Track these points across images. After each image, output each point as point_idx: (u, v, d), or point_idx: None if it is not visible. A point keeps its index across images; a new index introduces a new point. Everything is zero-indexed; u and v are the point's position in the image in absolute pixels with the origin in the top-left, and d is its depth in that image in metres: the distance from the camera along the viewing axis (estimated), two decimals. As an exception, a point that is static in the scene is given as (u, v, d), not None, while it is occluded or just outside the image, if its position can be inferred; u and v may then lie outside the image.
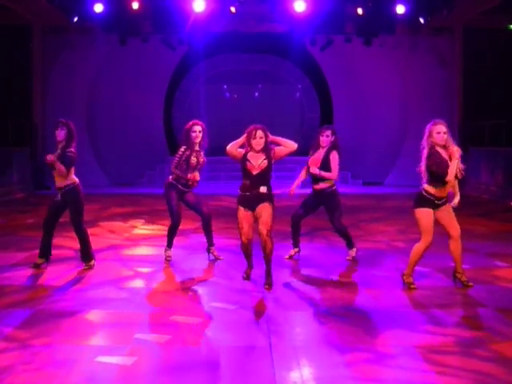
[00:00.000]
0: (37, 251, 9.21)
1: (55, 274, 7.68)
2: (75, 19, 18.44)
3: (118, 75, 21.38)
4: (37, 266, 7.94)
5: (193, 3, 17.28)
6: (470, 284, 7.11)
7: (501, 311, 6.21)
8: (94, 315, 6.13)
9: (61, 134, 7.88)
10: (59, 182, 7.89)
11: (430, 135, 6.81)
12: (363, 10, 18.47)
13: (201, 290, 7.18)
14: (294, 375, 4.62)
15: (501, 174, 17.57)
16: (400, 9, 18.05)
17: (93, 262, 8.04)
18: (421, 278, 7.52)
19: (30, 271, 7.89)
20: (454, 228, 7.07)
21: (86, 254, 8.05)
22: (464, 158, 7.00)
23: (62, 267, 8.14)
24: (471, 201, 17.35)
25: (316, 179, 8.34)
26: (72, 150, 7.84)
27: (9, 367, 4.66)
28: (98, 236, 10.30)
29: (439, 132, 6.78)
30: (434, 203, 6.91)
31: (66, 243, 9.89)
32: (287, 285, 7.34)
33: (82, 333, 5.58)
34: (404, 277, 7.15)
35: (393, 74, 21.66)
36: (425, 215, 6.92)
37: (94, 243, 9.67)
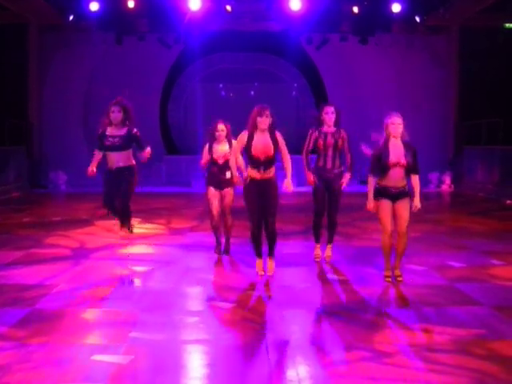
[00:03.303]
0: (33, 250, 9.23)
1: (51, 273, 7.67)
2: (71, 18, 18.44)
3: (114, 74, 21.34)
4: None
5: (189, 1, 17.28)
6: (400, 279, 7.33)
7: (497, 309, 6.22)
8: (90, 314, 6.12)
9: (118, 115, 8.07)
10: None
11: (386, 128, 7.21)
12: (359, 9, 18.49)
13: (197, 288, 7.17)
14: (290, 374, 4.62)
15: (497, 173, 17.61)
16: (396, 7, 18.07)
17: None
18: (416, 277, 7.54)
19: (25, 270, 7.88)
20: (399, 224, 7.24)
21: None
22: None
23: (58, 266, 8.13)
24: (467, 199, 17.40)
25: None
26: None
27: (5, 366, 4.65)
28: (94, 235, 10.30)
29: (393, 123, 7.13)
30: (388, 193, 7.16)
31: (61, 242, 9.90)
32: (283, 283, 7.34)
33: (79, 331, 5.57)
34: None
35: (389, 72, 21.66)
36: (380, 207, 7.20)
37: (90, 242, 9.70)
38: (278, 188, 7.45)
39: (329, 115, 8.16)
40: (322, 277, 7.62)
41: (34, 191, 19.07)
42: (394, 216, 7.27)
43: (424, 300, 6.58)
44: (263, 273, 7.55)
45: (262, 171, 7.31)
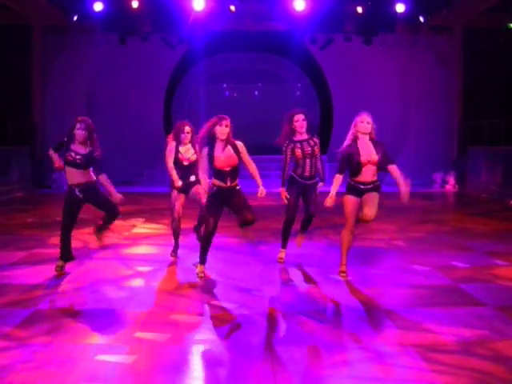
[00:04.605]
0: (36, 250, 9.26)
1: (54, 273, 7.67)
2: (75, 18, 18.46)
3: (118, 74, 21.39)
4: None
5: (192, 2, 17.29)
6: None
7: (500, 310, 6.21)
8: (93, 314, 6.12)
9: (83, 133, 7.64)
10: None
11: (355, 125, 7.36)
12: (363, 9, 18.48)
13: (200, 288, 7.17)
14: (294, 374, 4.62)
15: (500, 173, 17.58)
16: (400, 8, 18.06)
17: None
18: (420, 277, 7.53)
19: (29, 270, 7.89)
20: (365, 212, 7.31)
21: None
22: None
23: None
24: (471, 199, 17.38)
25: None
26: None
27: (8, 366, 4.66)
28: (98, 235, 10.29)
29: (362, 121, 7.31)
30: (357, 188, 7.30)
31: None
32: (286, 283, 7.34)
33: (82, 331, 5.58)
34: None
35: (393, 72, 21.66)
36: (347, 202, 7.34)
37: (94, 242, 9.68)
38: (242, 192, 7.44)
39: (300, 122, 8.08)
40: (324, 277, 7.62)
41: (37, 191, 19.10)
42: (362, 204, 7.34)
43: (427, 300, 6.57)
44: (203, 275, 7.56)
45: (228, 183, 7.31)
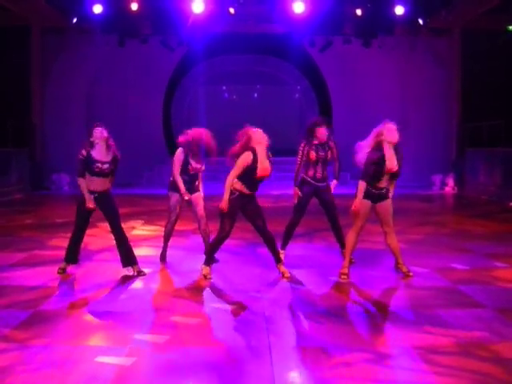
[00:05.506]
0: (35, 251, 9.25)
1: (54, 275, 7.67)
2: (74, 20, 18.47)
3: (117, 76, 21.40)
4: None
5: (192, 4, 17.30)
6: (410, 274, 7.62)
7: (500, 311, 6.21)
8: (93, 316, 6.12)
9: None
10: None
11: (381, 133, 7.30)
12: (362, 11, 18.50)
13: (199, 290, 7.17)
14: (293, 375, 4.62)
15: (499, 175, 17.59)
16: (399, 10, 18.09)
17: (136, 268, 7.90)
18: (420, 279, 7.53)
19: (28, 272, 7.89)
20: (386, 222, 7.51)
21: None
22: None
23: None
24: (470, 201, 17.38)
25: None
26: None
27: (8, 367, 4.66)
28: (97, 237, 10.30)
29: (391, 130, 7.33)
30: (369, 193, 7.34)
31: (64, 244, 9.88)
32: (285, 285, 7.34)
33: (82, 333, 5.57)
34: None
35: (392, 74, 21.68)
36: (361, 205, 7.34)
37: (93, 244, 9.71)
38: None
39: (323, 136, 8.23)
40: (323, 279, 7.62)
41: (36, 193, 19.09)
42: (379, 216, 7.51)
43: (427, 302, 6.57)
44: (210, 277, 7.57)
45: (255, 190, 7.45)
